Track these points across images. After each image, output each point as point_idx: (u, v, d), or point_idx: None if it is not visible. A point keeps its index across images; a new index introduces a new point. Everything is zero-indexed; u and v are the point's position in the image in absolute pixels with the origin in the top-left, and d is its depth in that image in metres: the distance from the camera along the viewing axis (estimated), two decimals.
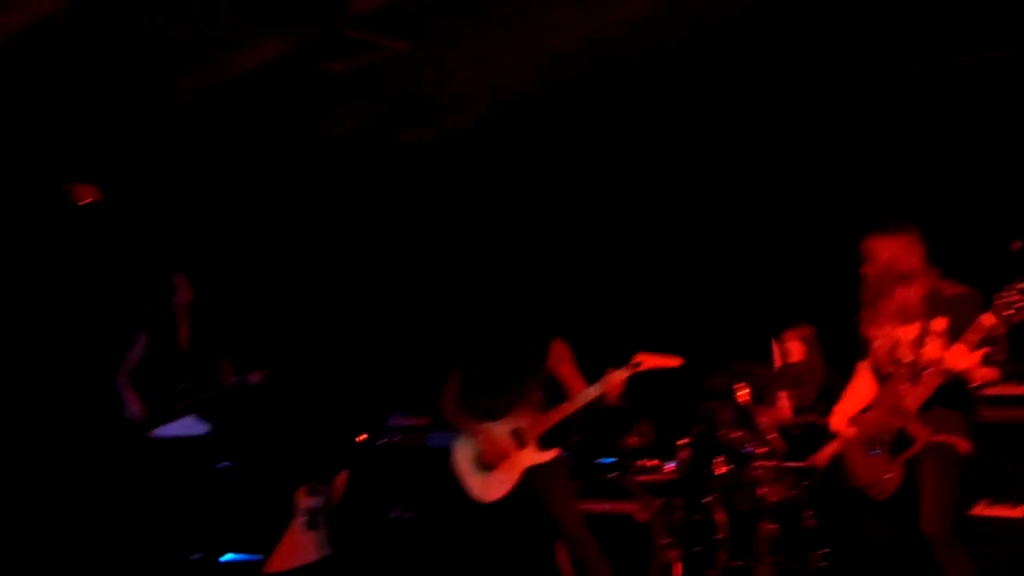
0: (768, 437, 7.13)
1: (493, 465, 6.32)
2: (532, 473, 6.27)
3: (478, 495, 6.35)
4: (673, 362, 6.28)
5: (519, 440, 6.27)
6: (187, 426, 7.30)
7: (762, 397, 7.40)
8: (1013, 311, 4.94)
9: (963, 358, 5.07)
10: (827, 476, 6.94)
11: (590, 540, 6.24)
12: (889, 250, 5.49)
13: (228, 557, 7.77)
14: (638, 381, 7.95)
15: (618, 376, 6.23)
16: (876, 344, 5.57)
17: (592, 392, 6.25)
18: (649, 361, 6.28)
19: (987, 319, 5.01)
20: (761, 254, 8.51)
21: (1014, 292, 4.95)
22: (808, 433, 7.29)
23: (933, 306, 5.36)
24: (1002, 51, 7.07)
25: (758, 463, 7.09)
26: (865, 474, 5.49)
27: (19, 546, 7.48)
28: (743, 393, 7.19)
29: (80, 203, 7.01)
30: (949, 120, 7.50)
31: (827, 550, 6.91)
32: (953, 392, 5.25)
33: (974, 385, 5.21)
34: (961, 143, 7.48)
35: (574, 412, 6.33)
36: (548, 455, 6.30)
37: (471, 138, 8.75)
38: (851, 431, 5.60)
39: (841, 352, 6.94)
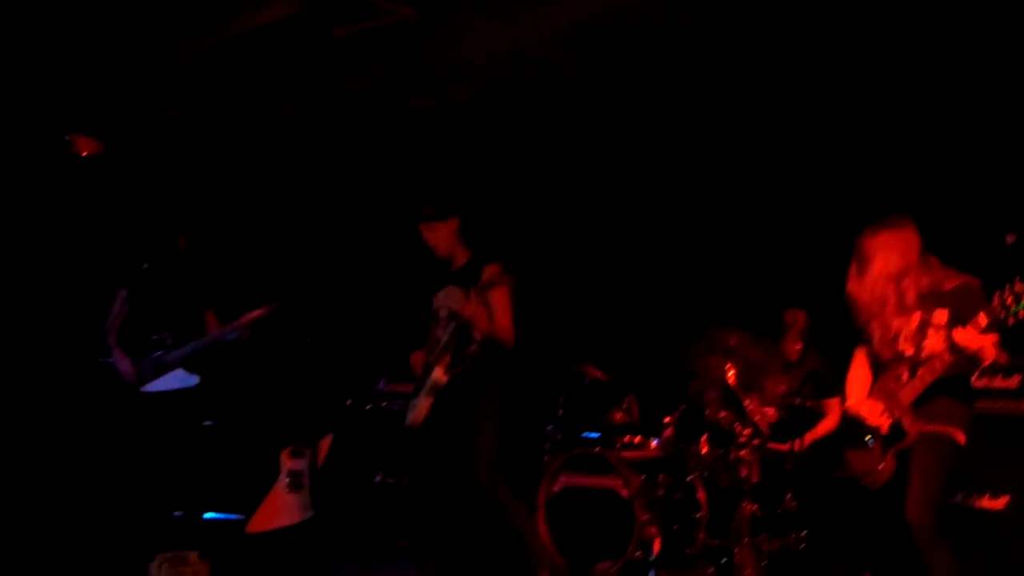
0: (754, 418, 7.18)
1: (419, 392, 6.49)
2: (454, 398, 6.41)
3: (406, 421, 6.53)
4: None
5: (431, 365, 6.45)
6: (178, 379, 7.27)
7: (751, 378, 7.45)
8: (1004, 314, 4.95)
9: (974, 339, 5.06)
10: (816, 463, 7.05)
11: (495, 477, 6.34)
12: (887, 243, 5.47)
13: (210, 516, 7.77)
14: (625, 357, 8.05)
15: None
16: (876, 335, 5.58)
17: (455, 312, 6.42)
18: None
19: (983, 319, 5.02)
20: (758, 238, 8.56)
21: (1008, 294, 4.95)
22: (794, 416, 7.36)
23: (933, 298, 5.37)
24: (998, 47, 7.09)
25: (742, 443, 7.14)
26: (858, 464, 5.52)
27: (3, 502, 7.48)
28: (731, 374, 7.22)
29: (82, 154, 6.97)
30: (943, 113, 7.52)
31: (805, 532, 6.99)
32: (954, 383, 5.29)
33: (987, 364, 5.23)
34: (955, 136, 7.52)
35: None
36: (446, 376, 6.37)
37: (470, 108, 8.74)
38: (863, 412, 5.58)
39: (831, 338, 7.05)
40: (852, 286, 5.67)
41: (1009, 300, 4.92)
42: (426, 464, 6.95)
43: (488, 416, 6.48)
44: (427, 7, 7.03)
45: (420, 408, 6.41)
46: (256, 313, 7.14)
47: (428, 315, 6.80)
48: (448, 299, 6.64)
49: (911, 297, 5.41)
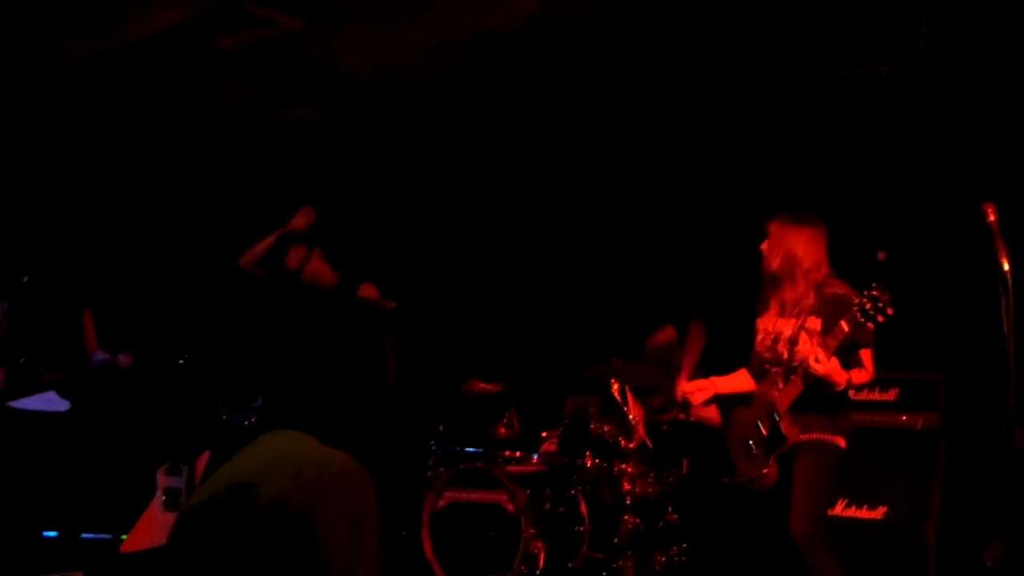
0: (636, 432, 7.24)
1: None
2: None
3: None
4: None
5: None
6: (48, 401, 7.08)
7: (633, 392, 7.51)
8: (862, 318, 5.03)
9: (822, 363, 5.15)
10: (704, 470, 7.14)
11: None
12: (791, 241, 5.50)
13: (84, 535, 7.55)
14: (510, 368, 8.06)
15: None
16: (759, 336, 5.66)
17: None
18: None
19: (844, 325, 5.11)
20: (641, 255, 8.65)
21: (866, 300, 5.03)
22: (676, 430, 7.45)
23: (814, 304, 5.43)
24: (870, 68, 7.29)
25: (624, 458, 7.20)
26: (744, 469, 5.60)
27: None
28: (614, 388, 7.27)
29: None
30: (820, 132, 7.71)
31: (686, 545, 7.08)
32: (817, 394, 5.33)
33: (839, 389, 5.27)
34: (826, 155, 7.69)
35: None
36: None
37: (353, 119, 8.68)
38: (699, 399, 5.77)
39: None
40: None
41: (868, 305, 5.00)
42: None
43: None
44: (313, 17, 6.98)
45: None
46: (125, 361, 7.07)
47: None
48: None
49: (796, 299, 5.48)
